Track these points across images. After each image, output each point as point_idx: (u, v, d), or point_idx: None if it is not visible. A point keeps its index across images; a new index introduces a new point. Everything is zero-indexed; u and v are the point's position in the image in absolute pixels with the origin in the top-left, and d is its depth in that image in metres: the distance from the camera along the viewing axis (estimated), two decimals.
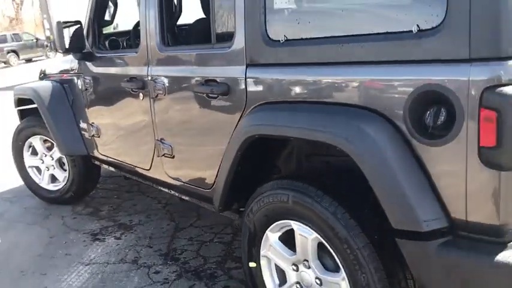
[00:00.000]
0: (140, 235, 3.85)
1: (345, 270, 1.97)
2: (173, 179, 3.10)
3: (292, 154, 2.51)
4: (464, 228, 1.68)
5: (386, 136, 1.75)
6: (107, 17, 3.75)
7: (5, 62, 24.80)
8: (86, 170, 4.38)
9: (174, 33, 2.94)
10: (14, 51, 25.61)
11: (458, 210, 1.67)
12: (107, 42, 3.76)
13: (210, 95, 2.54)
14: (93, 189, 4.77)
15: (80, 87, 3.91)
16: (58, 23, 3.51)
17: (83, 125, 4.02)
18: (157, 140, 3.09)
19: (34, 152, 4.70)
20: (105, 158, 3.89)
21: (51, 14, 13.94)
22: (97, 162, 4.13)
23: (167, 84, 2.86)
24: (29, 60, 26.28)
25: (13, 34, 27.22)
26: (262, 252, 2.37)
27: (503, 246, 1.60)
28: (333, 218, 1.93)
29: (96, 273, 3.32)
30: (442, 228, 1.69)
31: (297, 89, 2.10)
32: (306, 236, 2.10)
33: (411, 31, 1.69)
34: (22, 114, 4.74)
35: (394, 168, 1.72)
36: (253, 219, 2.33)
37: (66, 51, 3.60)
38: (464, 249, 1.65)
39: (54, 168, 4.61)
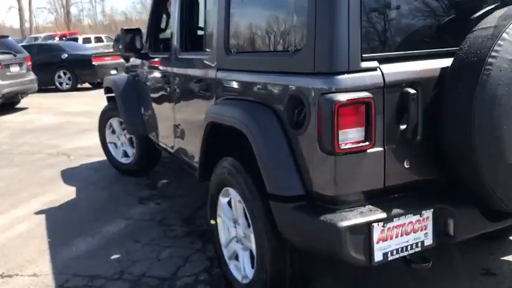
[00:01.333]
0: (174, 204, 4.73)
1: (252, 225, 2.63)
2: (184, 155, 3.92)
3: None
4: (315, 197, 2.27)
5: (270, 124, 2.40)
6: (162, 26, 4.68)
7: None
8: (148, 148, 5.35)
9: (189, 40, 3.75)
10: None
11: (309, 183, 2.27)
12: (161, 46, 4.67)
13: (200, 90, 3.31)
14: (155, 165, 5.75)
15: (141, 79, 4.89)
16: (122, 29, 4.50)
17: (143, 110, 4.99)
18: (175, 125, 3.93)
19: (113, 131, 5.80)
20: (154, 138, 4.83)
21: None
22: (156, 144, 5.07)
23: (181, 81, 3.68)
24: None
25: None
26: (218, 212, 3.08)
27: (331, 211, 2.17)
28: (245, 185, 2.60)
29: (128, 226, 4.26)
30: (298, 195, 2.29)
31: (235, 88, 2.81)
32: (235, 199, 2.79)
33: (289, 51, 2.33)
34: (108, 100, 5.88)
35: (270, 148, 2.36)
36: (212, 186, 3.05)
37: (128, 51, 4.57)
38: (304, 211, 2.25)
39: (127, 145, 5.68)
